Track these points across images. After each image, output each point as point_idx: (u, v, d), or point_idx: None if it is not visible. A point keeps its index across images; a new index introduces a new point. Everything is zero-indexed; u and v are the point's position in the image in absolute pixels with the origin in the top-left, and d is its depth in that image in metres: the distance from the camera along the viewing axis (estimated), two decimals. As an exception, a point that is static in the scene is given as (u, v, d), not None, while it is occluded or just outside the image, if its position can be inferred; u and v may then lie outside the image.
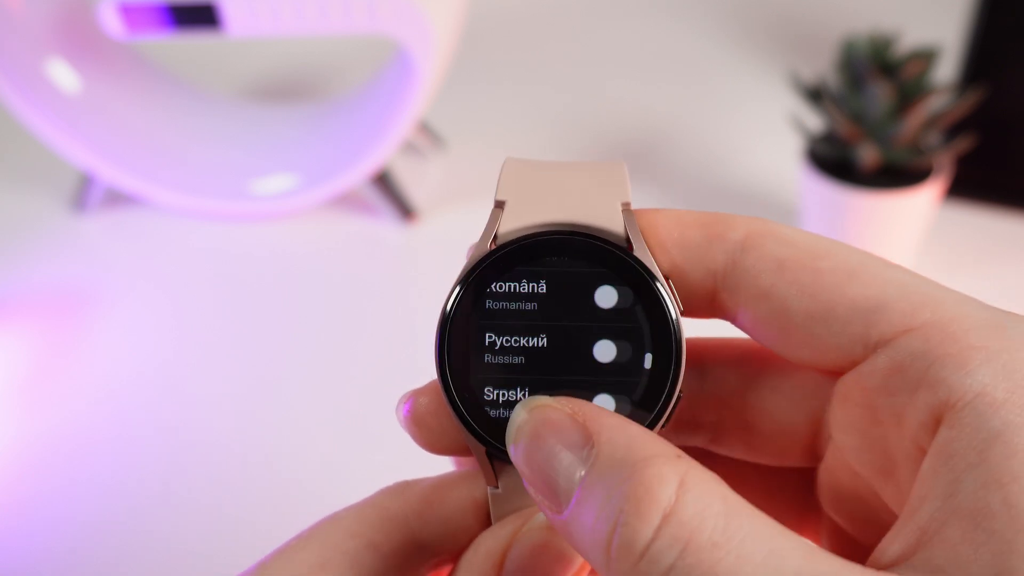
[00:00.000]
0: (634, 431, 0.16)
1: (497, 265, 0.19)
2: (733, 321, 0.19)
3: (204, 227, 0.76)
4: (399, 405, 0.20)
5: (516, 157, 0.21)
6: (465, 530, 0.20)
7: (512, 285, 0.19)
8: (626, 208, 0.19)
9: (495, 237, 0.19)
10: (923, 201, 0.61)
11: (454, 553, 0.20)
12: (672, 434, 0.22)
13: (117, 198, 0.78)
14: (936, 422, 0.16)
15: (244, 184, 0.76)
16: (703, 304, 0.20)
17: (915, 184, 0.60)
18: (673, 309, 0.19)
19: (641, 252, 0.19)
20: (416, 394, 0.20)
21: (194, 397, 0.60)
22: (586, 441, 0.16)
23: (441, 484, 0.20)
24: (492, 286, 0.19)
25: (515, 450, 0.17)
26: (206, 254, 0.74)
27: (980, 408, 0.15)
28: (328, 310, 0.67)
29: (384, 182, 0.74)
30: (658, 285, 0.19)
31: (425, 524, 0.19)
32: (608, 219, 0.19)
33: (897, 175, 0.60)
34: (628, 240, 0.19)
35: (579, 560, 0.19)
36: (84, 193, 0.77)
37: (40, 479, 0.54)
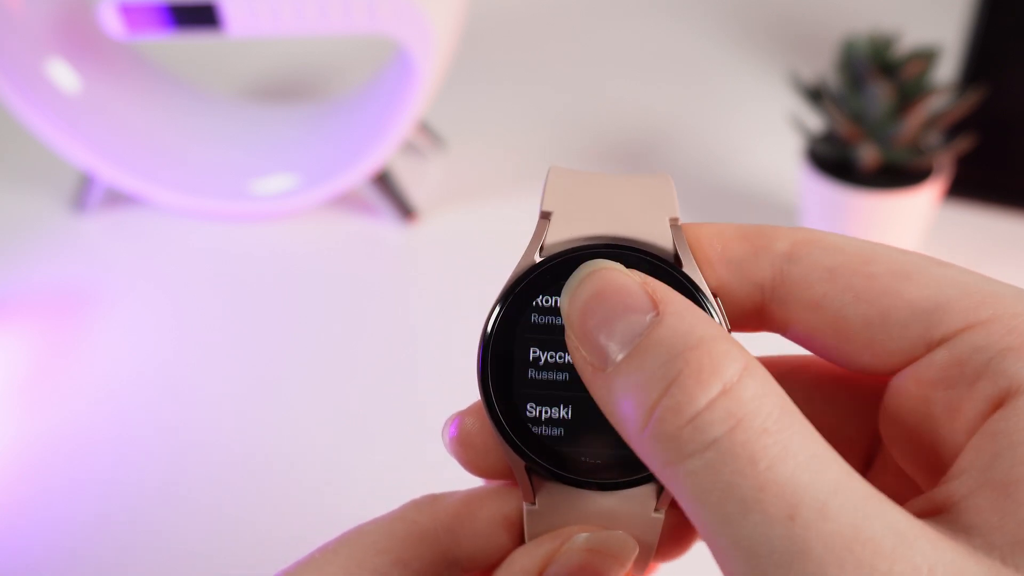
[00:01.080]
0: (701, 314, 0.16)
1: (544, 277, 0.19)
2: (783, 333, 0.19)
3: (204, 227, 0.76)
4: (445, 427, 0.20)
5: (560, 166, 0.20)
6: (497, 547, 0.19)
7: (558, 299, 0.19)
8: (674, 223, 0.19)
9: (542, 248, 0.19)
10: (923, 201, 0.61)
11: (484, 570, 0.20)
12: None
13: (117, 198, 0.78)
14: (992, 411, 0.16)
15: (244, 184, 0.76)
16: (751, 318, 0.19)
17: (915, 184, 0.60)
18: (722, 325, 0.18)
19: (690, 268, 0.19)
20: (463, 415, 0.20)
21: (194, 397, 0.60)
22: (652, 308, 0.16)
23: (472, 498, 0.20)
24: (538, 300, 0.19)
25: (570, 300, 0.17)
26: (206, 254, 0.74)
27: None
28: (328, 310, 0.67)
29: (384, 182, 0.74)
30: (707, 302, 0.18)
31: (455, 540, 0.19)
32: (657, 234, 0.19)
33: (897, 175, 0.60)
34: (677, 256, 0.19)
35: None
36: (84, 193, 0.77)
37: (40, 479, 0.54)
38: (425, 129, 0.83)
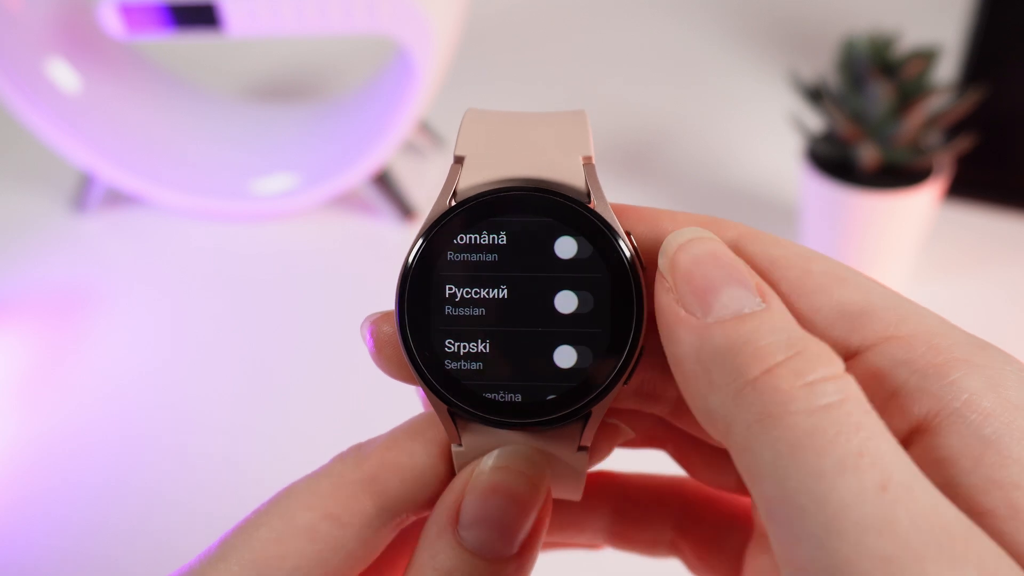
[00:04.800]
0: (794, 318, 0.17)
1: (456, 222, 0.19)
2: None
3: (204, 227, 0.76)
4: (362, 328, 0.20)
5: (477, 108, 0.20)
6: (424, 486, 0.20)
7: (472, 237, 0.19)
8: (587, 162, 0.19)
9: (455, 194, 0.19)
10: (923, 201, 0.61)
11: (416, 508, 0.20)
12: (633, 399, 0.22)
13: (117, 198, 0.78)
14: (911, 430, 0.16)
15: (244, 184, 0.76)
16: None
17: (915, 184, 0.60)
18: (632, 261, 0.19)
19: (601, 207, 0.19)
20: (378, 323, 0.20)
21: (194, 397, 0.60)
22: (757, 292, 0.17)
23: (394, 442, 0.20)
24: (453, 239, 0.19)
25: (681, 248, 0.17)
26: (206, 254, 0.74)
27: (968, 416, 0.15)
28: (328, 310, 0.67)
29: (384, 182, 0.74)
30: (616, 238, 0.19)
31: (383, 486, 0.19)
32: (569, 174, 0.19)
33: (897, 175, 0.60)
34: (588, 195, 0.19)
35: (535, 503, 0.19)
36: (84, 193, 0.77)
37: (40, 479, 0.54)
38: (425, 129, 0.83)
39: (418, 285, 0.19)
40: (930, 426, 0.16)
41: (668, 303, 0.17)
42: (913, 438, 0.16)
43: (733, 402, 0.16)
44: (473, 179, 0.19)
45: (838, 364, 0.16)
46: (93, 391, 0.60)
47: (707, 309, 0.17)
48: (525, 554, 0.19)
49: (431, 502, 0.20)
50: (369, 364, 0.67)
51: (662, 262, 0.18)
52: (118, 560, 0.49)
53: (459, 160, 0.19)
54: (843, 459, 0.14)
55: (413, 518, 0.20)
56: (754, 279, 0.17)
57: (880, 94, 0.58)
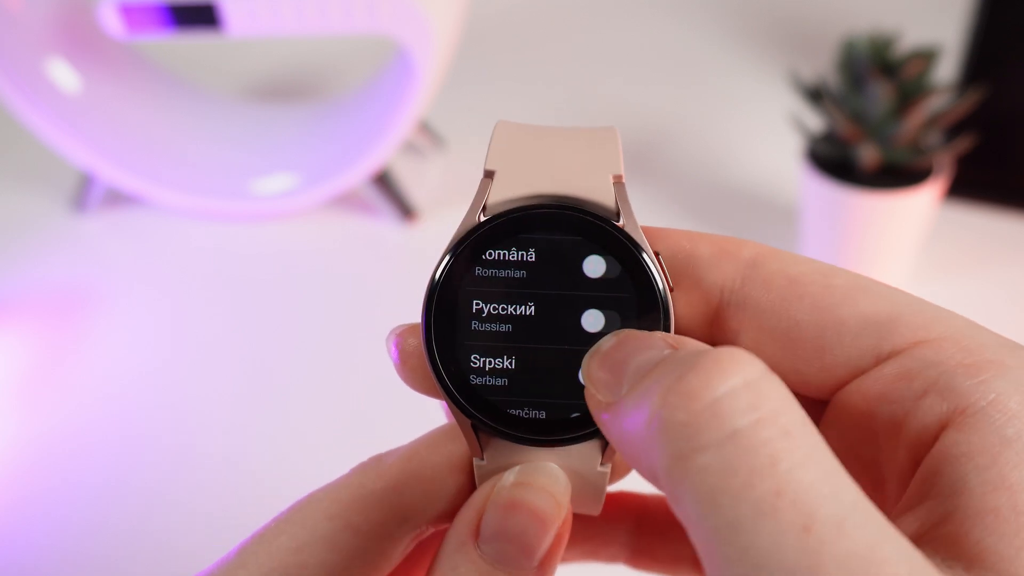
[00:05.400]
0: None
1: (485, 237, 0.19)
2: (734, 342, 0.19)
3: (204, 227, 0.76)
4: (388, 341, 0.20)
5: (508, 121, 0.20)
6: (445, 496, 0.20)
7: (501, 253, 0.19)
8: (617, 180, 0.19)
9: (484, 208, 0.19)
10: (923, 201, 0.61)
11: (436, 520, 0.20)
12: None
13: (117, 198, 0.78)
14: (940, 428, 0.16)
15: (244, 184, 0.76)
16: (704, 326, 0.20)
17: (915, 184, 0.60)
18: (660, 281, 0.19)
19: (630, 226, 0.19)
20: (404, 335, 0.20)
21: (194, 397, 0.60)
22: (670, 346, 0.16)
23: (415, 454, 0.20)
24: (481, 254, 0.19)
25: (591, 354, 0.17)
26: (206, 254, 0.74)
27: (993, 415, 0.15)
28: (328, 310, 0.67)
29: (384, 182, 0.74)
30: (645, 257, 0.19)
31: (403, 498, 0.19)
32: (599, 192, 0.19)
33: (897, 175, 0.60)
34: (618, 213, 0.19)
35: (556, 519, 0.19)
36: (84, 193, 0.77)
37: (39, 479, 0.54)
38: (425, 129, 0.83)
39: (446, 299, 0.19)
40: (954, 422, 0.16)
41: (592, 404, 0.17)
42: (939, 434, 0.16)
43: (647, 451, 0.15)
44: (503, 194, 0.19)
45: (745, 369, 0.14)
46: (93, 391, 0.60)
47: (617, 384, 0.16)
48: (544, 569, 0.19)
49: (451, 515, 0.20)
50: (369, 365, 0.67)
51: (583, 372, 0.17)
52: (118, 560, 0.49)
53: (489, 174, 0.19)
54: (759, 503, 0.13)
55: (432, 530, 0.20)
56: (664, 339, 0.16)
57: (880, 94, 0.58)
